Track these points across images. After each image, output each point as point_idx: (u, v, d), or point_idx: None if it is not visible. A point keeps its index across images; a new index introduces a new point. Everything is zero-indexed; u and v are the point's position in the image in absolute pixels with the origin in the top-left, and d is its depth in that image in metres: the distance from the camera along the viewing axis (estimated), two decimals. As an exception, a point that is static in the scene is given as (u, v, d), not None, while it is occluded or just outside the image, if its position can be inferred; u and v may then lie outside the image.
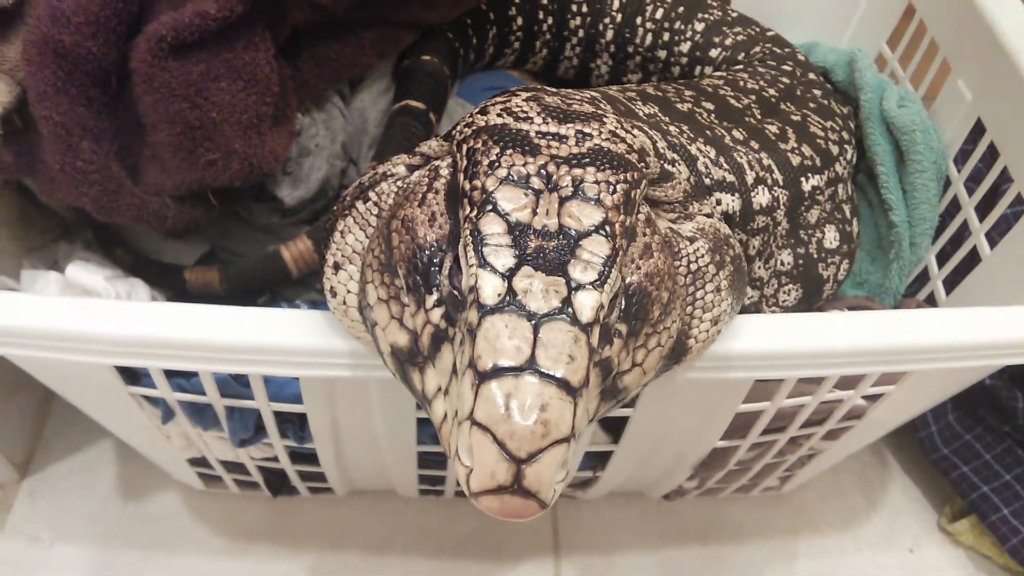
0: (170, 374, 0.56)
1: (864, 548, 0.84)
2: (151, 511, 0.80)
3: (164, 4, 0.57)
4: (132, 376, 0.56)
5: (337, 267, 0.46)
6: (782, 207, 0.64)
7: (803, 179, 0.66)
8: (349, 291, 0.45)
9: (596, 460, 0.69)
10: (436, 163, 0.43)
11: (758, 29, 0.84)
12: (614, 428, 0.65)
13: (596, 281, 0.36)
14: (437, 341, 0.38)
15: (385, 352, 0.41)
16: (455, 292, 0.37)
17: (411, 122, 0.68)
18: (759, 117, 0.70)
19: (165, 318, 0.47)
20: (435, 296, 0.38)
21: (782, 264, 0.67)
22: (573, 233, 0.37)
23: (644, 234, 0.41)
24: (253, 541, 0.79)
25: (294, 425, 0.61)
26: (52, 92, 0.55)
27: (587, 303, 0.35)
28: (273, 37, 0.62)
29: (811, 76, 0.79)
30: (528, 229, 0.37)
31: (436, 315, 0.38)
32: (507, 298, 0.35)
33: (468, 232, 0.37)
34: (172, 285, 0.66)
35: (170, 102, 0.56)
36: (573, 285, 0.36)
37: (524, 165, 0.39)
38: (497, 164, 0.39)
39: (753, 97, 0.72)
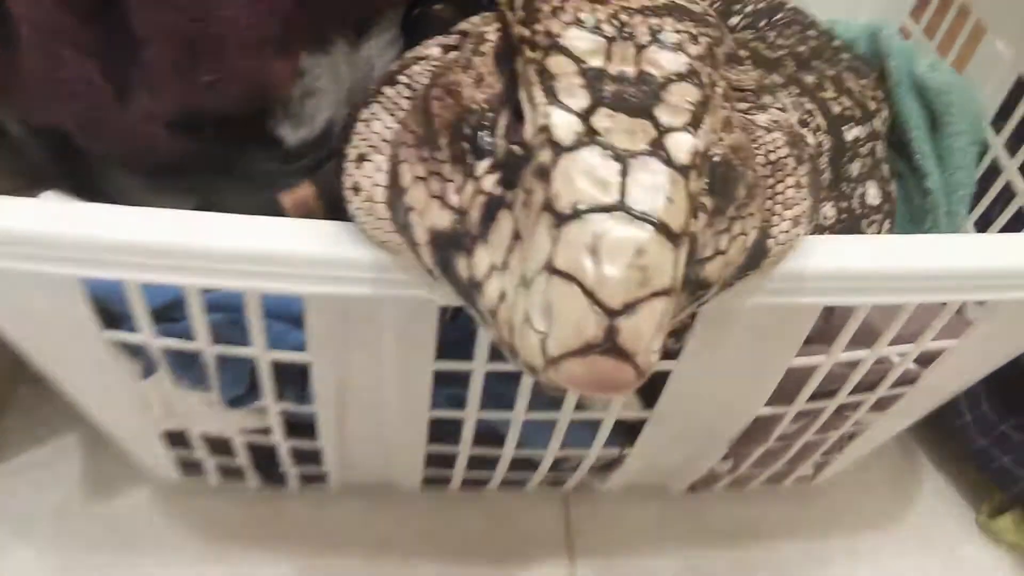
0: (156, 317, 0.49)
1: (902, 550, 0.78)
2: (120, 510, 0.72)
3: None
4: (110, 319, 0.49)
5: (361, 159, 0.40)
6: (826, 153, 0.59)
7: (845, 128, 0.62)
8: (376, 184, 0.39)
9: (624, 435, 0.63)
10: (481, 29, 0.39)
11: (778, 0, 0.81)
12: (648, 394, 0.58)
13: (689, 124, 0.31)
14: (492, 210, 0.32)
15: (422, 241, 0.35)
16: (515, 148, 0.32)
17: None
18: (794, 68, 0.66)
19: (145, 221, 0.40)
20: (487, 161, 0.33)
21: (825, 218, 0.62)
22: (657, 78, 0.32)
23: (723, 107, 0.36)
24: (233, 543, 0.71)
25: (293, 383, 0.54)
26: (30, -12, 0.49)
27: (683, 145, 0.30)
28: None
29: (837, 42, 0.76)
30: (603, 74, 0.32)
31: (490, 181, 0.33)
32: (586, 137, 0.30)
33: (533, 71, 0.32)
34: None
35: (168, 14, 0.51)
36: (663, 127, 0.30)
37: (592, 12, 0.34)
38: (561, 9, 0.34)
39: (785, 51, 0.68)
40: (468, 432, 0.59)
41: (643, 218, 0.28)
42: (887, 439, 0.73)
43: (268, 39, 0.54)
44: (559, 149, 0.30)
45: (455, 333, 0.55)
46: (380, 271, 0.42)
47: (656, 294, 0.27)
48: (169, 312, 0.52)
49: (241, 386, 0.53)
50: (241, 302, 0.50)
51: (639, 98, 0.31)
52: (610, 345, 0.27)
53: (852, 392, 0.59)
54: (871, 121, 0.66)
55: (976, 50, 0.76)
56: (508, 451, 0.61)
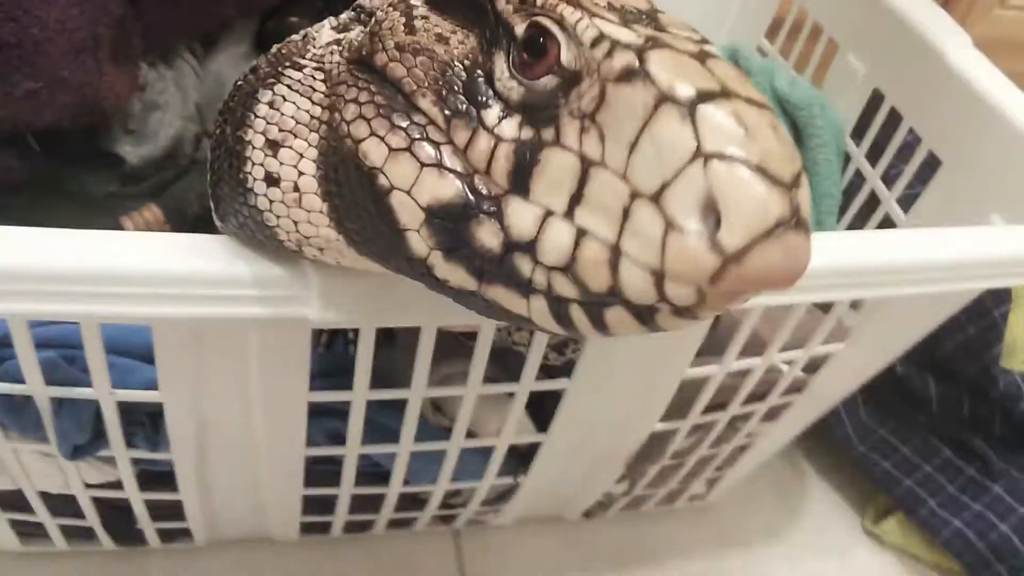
0: (-27, 358, 0.42)
1: (795, 559, 0.78)
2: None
3: None
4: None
5: (275, 145, 0.36)
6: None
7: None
8: (302, 172, 0.35)
9: (517, 464, 0.59)
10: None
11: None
12: (541, 417, 0.55)
13: (704, 39, 0.29)
14: (527, 154, 0.29)
15: (413, 224, 0.30)
16: (542, 82, 0.29)
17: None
18: None
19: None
20: (495, 109, 0.30)
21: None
22: (640, 12, 0.30)
23: None
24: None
25: (144, 428, 0.48)
26: None
27: (717, 50, 0.28)
28: (112, -41, 0.51)
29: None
30: (601, 5, 0.30)
31: (510, 128, 0.29)
32: (649, 42, 0.27)
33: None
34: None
35: (-24, 11, 0.45)
36: (695, 39, 0.29)
37: None
38: None
39: None
40: (349, 470, 0.54)
41: (753, 100, 0.26)
42: (775, 451, 0.73)
43: (100, 40, 0.48)
44: (640, 49, 0.27)
45: (328, 362, 0.50)
46: (243, 287, 0.37)
47: (801, 168, 0.26)
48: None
49: (83, 434, 0.46)
50: (77, 336, 0.44)
51: (646, 22, 0.29)
52: (797, 220, 0.25)
53: (744, 402, 0.58)
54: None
55: (831, 66, 0.78)
56: (394, 488, 0.57)
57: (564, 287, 0.27)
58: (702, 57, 0.27)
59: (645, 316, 0.27)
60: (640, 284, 0.26)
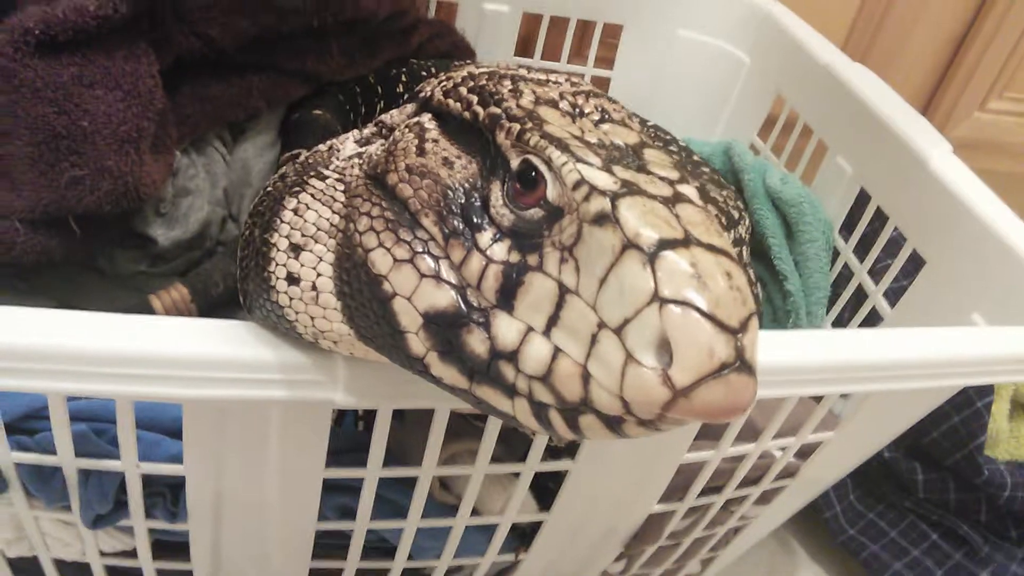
0: (9, 430, 0.44)
1: (785, 644, 0.79)
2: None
3: (32, -3, 0.50)
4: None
5: (297, 249, 0.39)
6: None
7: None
8: (320, 274, 0.38)
9: (518, 540, 0.61)
10: (416, 120, 0.39)
11: (639, 117, 0.86)
12: (543, 496, 0.57)
13: (682, 179, 0.32)
14: (513, 276, 0.32)
15: (412, 327, 0.33)
16: (529, 213, 0.32)
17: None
18: None
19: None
20: (488, 232, 0.33)
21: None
22: (626, 147, 0.34)
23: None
24: None
25: (164, 499, 0.50)
26: None
27: (694, 193, 0.31)
28: (157, 58, 0.55)
29: (696, 156, 0.81)
30: (588, 142, 0.33)
31: (500, 250, 0.32)
32: (624, 188, 0.30)
33: (538, 137, 0.32)
34: None
35: (32, 104, 0.48)
36: (670, 180, 0.32)
37: (546, 92, 0.36)
38: (519, 91, 0.36)
39: None
40: (357, 544, 0.55)
41: (713, 247, 0.29)
42: (768, 532, 0.74)
43: (144, 132, 0.52)
44: (614, 195, 0.30)
45: (339, 440, 0.52)
46: (274, 372, 0.39)
47: (752, 312, 0.28)
48: (21, 423, 0.47)
49: (106, 504, 0.48)
50: (106, 411, 0.46)
51: (630, 160, 0.33)
52: (740, 363, 0.27)
53: (738, 486, 0.60)
54: (736, 228, 0.69)
55: (821, 165, 0.82)
56: (399, 563, 0.58)
57: (543, 394, 0.30)
58: (674, 200, 0.30)
59: (614, 425, 0.30)
60: (606, 400, 0.29)
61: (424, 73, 0.80)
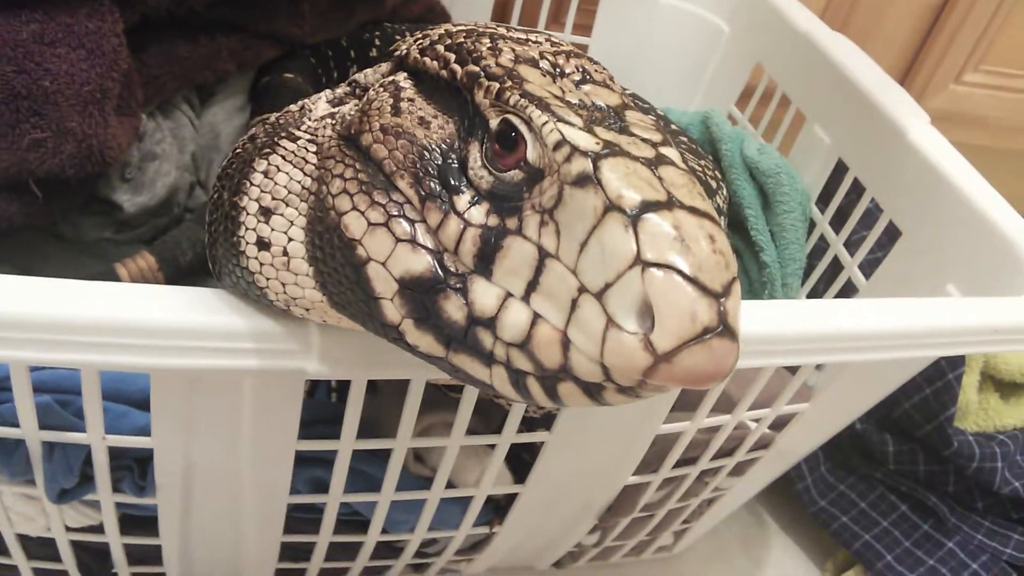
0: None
1: (757, 612, 0.80)
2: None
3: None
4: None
5: (267, 213, 0.38)
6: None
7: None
8: (291, 238, 0.37)
9: (493, 512, 0.61)
10: (391, 79, 0.38)
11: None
12: (519, 468, 0.57)
13: (665, 140, 0.31)
14: (492, 240, 0.31)
15: (386, 293, 0.32)
16: (509, 175, 0.31)
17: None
18: None
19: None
20: (466, 195, 0.32)
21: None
22: (608, 108, 0.33)
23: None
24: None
25: (132, 472, 0.49)
26: None
27: (675, 156, 0.31)
28: (122, 16, 0.53)
29: (673, 126, 0.80)
30: (569, 102, 0.32)
31: (478, 214, 0.31)
32: (606, 149, 0.29)
33: (518, 96, 0.31)
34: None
35: (-11, 63, 0.46)
36: (653, 142, 0.31)
37: (526, 50, 0.35)
38: (498, 49, 0.34)
39: None
40: (330, 518, 0.54)
41: (696, 210, 0.28)
42: (741, 504, 0.75)
43: (108, 92, 0.50)
44: (596, 156, 0.29)
45: (312, 411, 0.51)
46: (244, 340, 0.38)
47: (735, 276, 0.28)
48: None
49: (72, 478, 0.46)
50: (71, 381, 0.45)
51: (612, 121, 0.32)
52: (723, 328, 0.27)
53: (713, 457, 0.60)
54: (714, 198, 0.69)
55: (798, 135, 0.82)
56: (372, 537, 0.57)
57: (521, 361, 0.30)
58: (657, 162, 0.30)
59: (593, 392, 0.29)
60: (586, 366, 0.28)
61: (398, 37, 0.79)
